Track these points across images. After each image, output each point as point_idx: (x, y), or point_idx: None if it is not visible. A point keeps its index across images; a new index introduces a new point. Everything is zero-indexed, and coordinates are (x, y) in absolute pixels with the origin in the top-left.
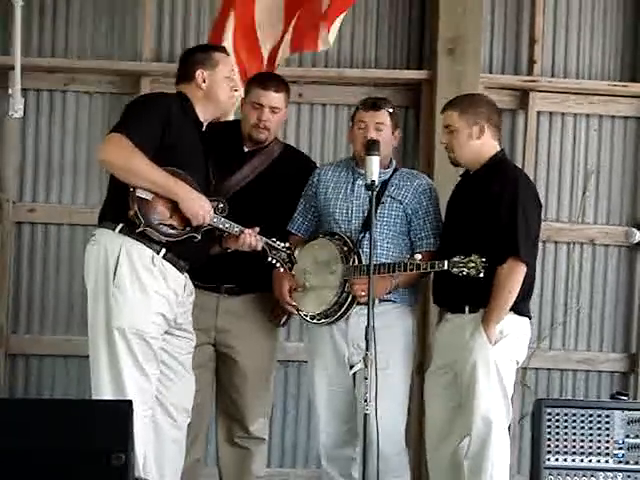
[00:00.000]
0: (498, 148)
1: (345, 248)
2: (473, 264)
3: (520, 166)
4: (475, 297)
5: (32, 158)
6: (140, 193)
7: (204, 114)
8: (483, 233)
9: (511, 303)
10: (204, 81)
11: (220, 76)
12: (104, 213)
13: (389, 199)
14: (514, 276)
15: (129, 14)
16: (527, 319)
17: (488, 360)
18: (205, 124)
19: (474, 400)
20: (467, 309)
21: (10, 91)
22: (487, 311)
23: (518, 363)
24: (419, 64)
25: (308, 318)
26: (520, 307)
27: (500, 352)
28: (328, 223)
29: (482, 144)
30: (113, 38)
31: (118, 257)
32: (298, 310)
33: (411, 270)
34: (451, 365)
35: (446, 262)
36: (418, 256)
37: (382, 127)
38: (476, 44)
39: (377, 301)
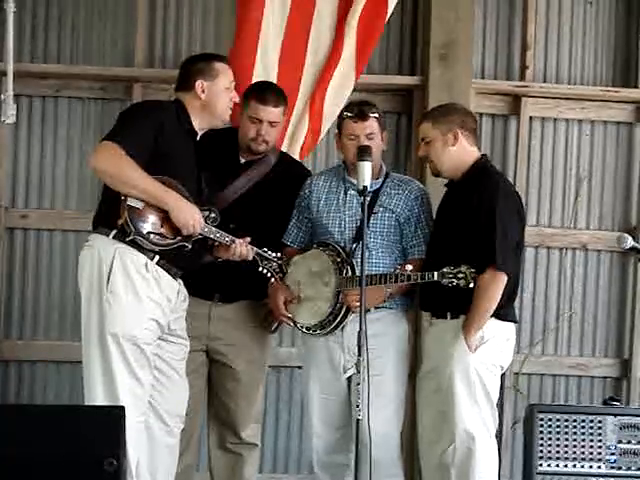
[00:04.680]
0: (478, 154)
1: (338, 259)
2: (463, 275)
3: (512, 171)
4: (456, 303)
5: (24, 164)
6: (131, 202)
7: (200, 124)
8: (465, 243)
9: (491, 311)
10: (203, 91)
11: (220, 87)
12: (98, 219)
13: (381, 209)
14: (494, 285)
15: (121, 20)
16: (511, 324)
17: (467, 368)
18: (200, 133)
19: (454, 411)
20: (449, 315)
21: (2, 97)
22: (467, 319)
23: (503, 368)
24: (411, 70)
25: (304, 329)
26: (502, 312)
27: (481, 358)
28: (322, 234)
29: (459, 151)
30: (105, 44)
31: (112, 263)
32: (294, 322)
33: (402, 281)
34: (434, 371)
35: (436, 273)
36: (409, 266)
37: (373, 136)
38: (468, 50)
39: (372, 308)
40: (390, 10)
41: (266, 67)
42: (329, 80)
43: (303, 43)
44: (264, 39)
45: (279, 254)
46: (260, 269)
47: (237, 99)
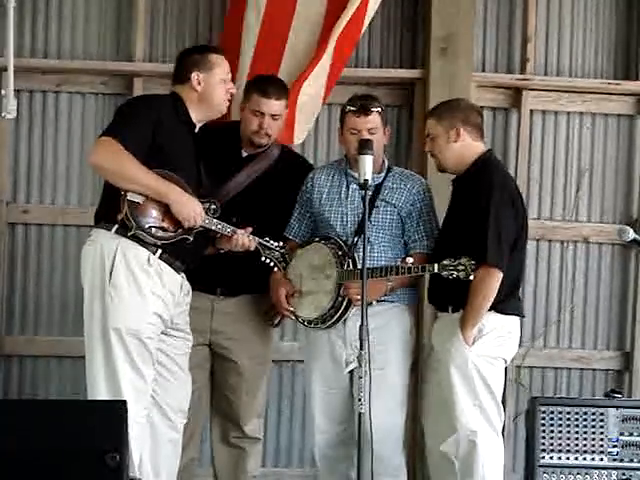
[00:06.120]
0: (482, 148)
1: (339, 252)
2: (463, 267)
3: (513, 165)
4: (457, 297)
5: (25, 159)
6: (131, 196)
7: (198, 116)
8: (463, 239)
9: (486, 307)
10: (199, 83)
11: (216, 79)
12: (100, 214)
13: (383, 203)
14: (487, 282)
15: (122, 14)
16: (514, 317)
17: (465, 362)
18: (198, 126)
19: (454, 405)
20: (450, 309)
21: (3, 92)
22: (463, 314)
23: (506, 361)
24: (412, 63)
25: (305, 323)
26: (502, 306)
27: (479, 351)
28: (324, 228)
29: (462, 146)
30: (106, 39)
31: (114, 257)
32: (296, 315)
33: (402, 273)
34: (437, 364)
35: (436, 265)
36: (410, 259)
37: (375, 131)
38: (469, 43)
39: (375, 301)
40: (363, 29)
41: (243, 64)
42: (305, 80)
43: (280, 41)
44: (244, 37)
45: (282, 243)
46: (263, 259)
47: (234, 90)
